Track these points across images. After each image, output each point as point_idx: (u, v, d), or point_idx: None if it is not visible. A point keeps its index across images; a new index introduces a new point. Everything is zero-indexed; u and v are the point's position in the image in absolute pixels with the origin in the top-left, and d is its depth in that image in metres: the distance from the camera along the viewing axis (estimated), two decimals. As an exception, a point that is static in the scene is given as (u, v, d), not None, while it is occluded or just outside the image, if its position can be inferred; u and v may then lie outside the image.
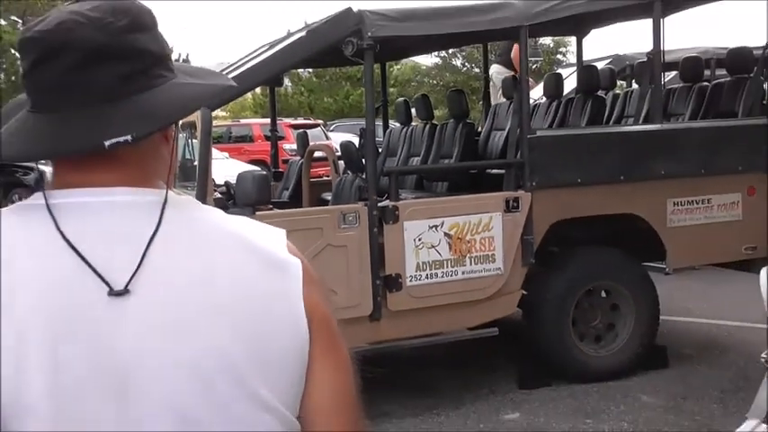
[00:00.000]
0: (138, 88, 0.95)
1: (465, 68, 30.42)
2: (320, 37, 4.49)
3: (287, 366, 0.98)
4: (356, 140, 6.01)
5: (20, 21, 27.19)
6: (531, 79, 8.81)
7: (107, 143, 0.91)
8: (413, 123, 6.79)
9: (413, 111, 6.85)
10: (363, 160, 4.76)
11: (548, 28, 5.77)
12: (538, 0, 4.88)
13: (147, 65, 0.97)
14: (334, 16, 4.57)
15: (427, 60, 30.73)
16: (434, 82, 30.75)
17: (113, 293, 0.91)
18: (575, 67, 8.08)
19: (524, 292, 4.90)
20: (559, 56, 28.29)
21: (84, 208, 0.95)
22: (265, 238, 1.04)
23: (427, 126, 6.32)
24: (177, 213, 0.98)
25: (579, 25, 6.49)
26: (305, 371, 0.99)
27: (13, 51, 26.95)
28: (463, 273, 4.62)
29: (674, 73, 7.32)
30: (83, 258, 0.92)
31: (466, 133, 5.79)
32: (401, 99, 7.43)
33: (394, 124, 7.30)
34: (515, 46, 8.80)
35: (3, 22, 27.04)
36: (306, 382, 1.00)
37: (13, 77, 27.20)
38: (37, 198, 0.97)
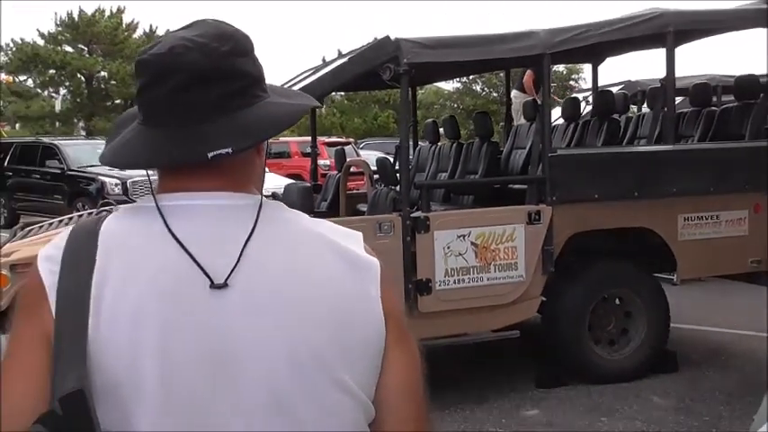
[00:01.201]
0: (237, 106, 0.99)
1: (484, 93, 30.37)
2: (361, 62, 4.49)
3: (366, 356, 1.00)
4: (385, 157, 6.00)
5: (85, 48, 27.69)
6: (555, 97, 8.75)
7: (210, 155, 0.95)
8: (440, 142, 6.80)
9: (440, 130, 6.85)
10: (398, 175, 4.75)
11: (567, 56, 5.73)
12: (559, 29, 4.86)
13: (246, 85, 1.00)
14: (374, 44, 4.59)
15: (448, 86, 30.75)
16: (455, 105, 30.74)
17: (214, 286, 0.93)
18: (587, 92, 8.02)
19: (543, 299, 4.86)
20: (572, 82, 28.15)
21: (190, 210, 0.99)
22: (346, 239, 1.06)
23: (454, 144, 6.31)
24: (270, 216, 1.01)
25: (596, 53, 6.44)
26: (380, 360, 1.01)
27: (79, 76, 27.47)
28: (488, 279, 4.59)
29: (681, 98, 7.23)
30: (189, 254, 0.94)
31: (491, 151, 5.77)
32: (430, 120, 7.43)
33: (422, 143, 7.29)
34: (527, 72, 8.78)
35: (70, 50, 27.55)
36: (380, 370, 1.01)
37: (78, 99, 27.71)
38: (146, 201, 1.01)
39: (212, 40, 0.98)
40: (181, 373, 0.92)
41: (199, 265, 0.94)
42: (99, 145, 16.28)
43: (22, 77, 28.22)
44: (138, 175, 14.10)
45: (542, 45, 4.74)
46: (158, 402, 0.92)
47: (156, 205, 0.98)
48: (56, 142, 15.12)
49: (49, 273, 0.95)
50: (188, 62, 0.95)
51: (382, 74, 4.39)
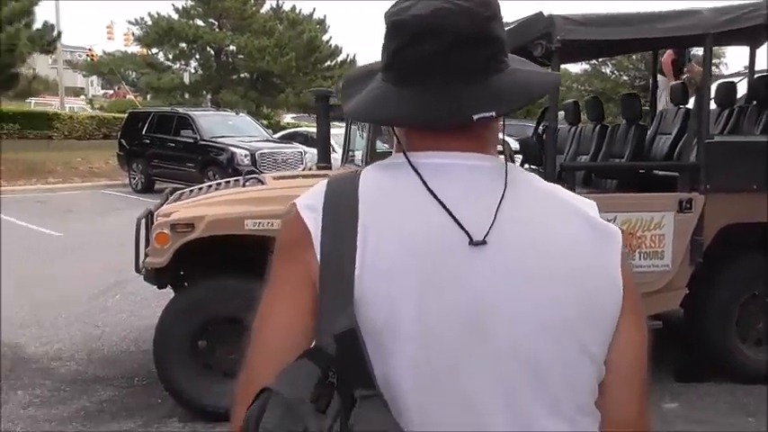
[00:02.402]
0: (492, 71, 1.00)
1: (614, 76, 29.26)
2: (512, 39, 4.48)
3: (605, 322, 1.01)
4: (530, 137, 5.97)
5: (215, 22, 28.87)
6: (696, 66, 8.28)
7: (475, 117, 0.97)
8: (580, 124, 6.68)
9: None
10: (542, 156, 4.73)
11: (726, 37, 5.46)
12: (723, 8, 4.66)
13: (498, 51, 1.01)
14: (526, 20, 4.55)
15: (575, 68, 29.80)
16: (582, 88, 29.78)
17: (474, 243, 0.96)
18: (741, 76, 7.59)
19: (687, 291, 4.72)
20: (713, 67, 26.55)
21: (443, 168, 1.02)
22: (585, 205, 1.06)
23: (597, 127, 6.18)
24: (516, 177, 1.03)
25: (756, 36, 6.10)
26: (615, 327, 1.02)
27: (209, 49, 28.72)
28: (632, 267, 4.49)
29: None
30: (447, 210, 0.97)
31: (638, 135, 5.61)
32: (571, 101, 7.29)
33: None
34: (667, 53, 8.41)
35: (202, 24, 28.80)
36: (612, 336, 1.02)
37: (206, 72, 28.97)
38: (396, 158, 1.05)
39: (476, 5, 0.99)
40: (436, 329, 0.95)
41: (458, 221, 0.96)
42: (229, 117, 17.07)
43: (154, 50, 29.80)
44: (265, 147, 14.70)
45: (706, 24, 4.55)
46: (413, 355, 0.95)
47: (410, 163, 1.01)
48: (190, 113, 15.96)
49: (312, 220, 1.00)
50: (453, 25, 0.97)
51: (533, 50, 4.36)
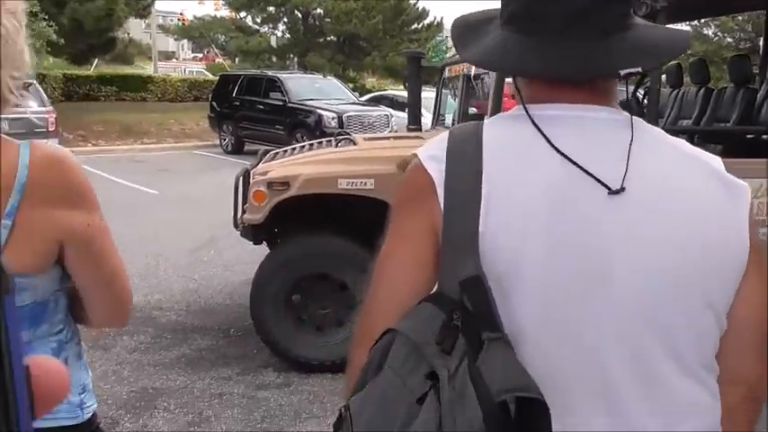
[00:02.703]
0: (624, 27, 1.00)
1: (716, 38, 27.81)
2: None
3: (730, 278, 1.00)
4: (630, 99, 5.76)
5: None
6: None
7: (622, 72, 0.98)
8: (682, 87, 6.41)
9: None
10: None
11: None
12: None
13: (629, 7, 1.02)
14: (631, -24, 4.39)
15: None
16: (682, 51, 28.40)
17: (612, 192, 0.96)
18: None
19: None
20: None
21: (569, 120, 1.02)
22: (712, 159, 1.05)
23: (702, 89, 5.93)
24: (642, 130, 1.02)
25: None
26: (738, 284, 1.01)
27: (296, 13, 28.95)
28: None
29: None
30: (574, 163, 0.97)
31: (747, 98, 5.35)
32: (674, 63, 7.01)
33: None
34: None
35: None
36: (736, 294, 1.01)
37: (293, 35, 29.26)
38: (519, 110, 1.05)
39: None
40: (561, 279, 0.96)
41: (587, 172, 0.97)
42: (317, 80, 17.26)
43: (242, 14, 30.31)
44: (352, 110, 14.81)
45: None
46: (536, 304, 0.97)
47: (529, 115, 1.02)
48: (279, 75, 16.23)
49: (436, 170, 1.02)
50: None
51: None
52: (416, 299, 1.00)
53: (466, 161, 1.01)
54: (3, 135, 1.19)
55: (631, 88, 5.78)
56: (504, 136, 1.05)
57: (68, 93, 22.43)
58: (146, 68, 32.47)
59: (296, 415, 3.86)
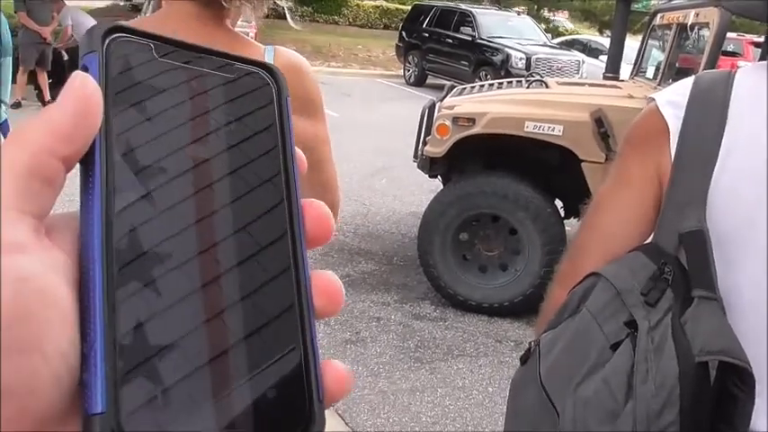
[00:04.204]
0: None
1: None
2: None
3: None
4: None
5: None
6: None
7: None
8: None
9: None
10: None
11: None
12: None
13: None
14: None
15: None
16: None
17: None
18: None
19: None
20: None
21: None
22: None
23: None
24: None
25: None
26: None
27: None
28: None
29: None
30: None
31: None
32: None
33: None
34: None
35: None
36: None
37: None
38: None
39: None
40: None
41: None
42: (511, 17, 16.80)
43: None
44: (542, 52, 14.31)
45: None
46: (761, 272, 0.91)
47: None
48: (472, 9, 15.95)
49: (673, 117, 0.99)
50: None
51: None
52: (628, 247, 0.98)
53: (709, 110, 0.96)
54: (248, 39, 1.27)
55: None
56: (758, 87, 0.97)
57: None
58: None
59: (448, 350, 3.92)
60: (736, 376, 0.84)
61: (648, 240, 1.00)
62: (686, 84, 1.02)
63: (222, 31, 1.23)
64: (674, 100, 1.01)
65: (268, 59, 1.25)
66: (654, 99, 1.03)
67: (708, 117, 0.96)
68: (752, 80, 0.98)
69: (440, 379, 3.61)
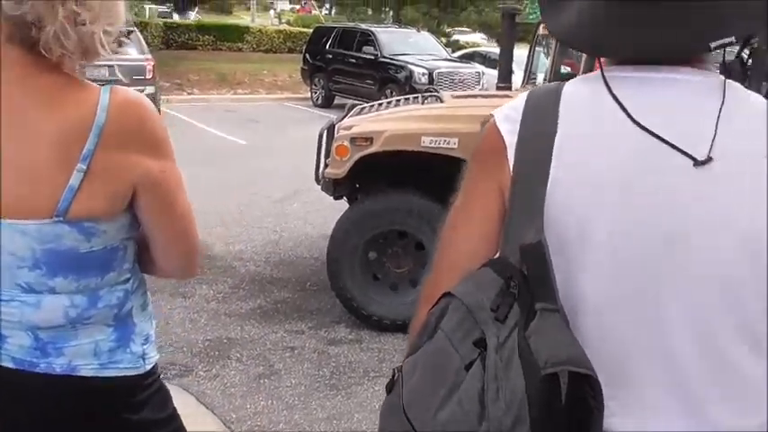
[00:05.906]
0: None
1: None
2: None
3: None
4: None
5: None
6: None
7: (713, 45, 0.91)
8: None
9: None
10: (747, 81, 4.25)
11: None
12: None
13: None
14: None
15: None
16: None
17: (698, 163, 0.91)
18: None
19: None
20: None
21: (651, 82, 0.97)
22: None
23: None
24: (734, 95, 0.96)
25: None
26: None
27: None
28: None
29: None
30: (653, 134, 0.93)
31: None
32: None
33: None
34: None
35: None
36: None
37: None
38: (614, 71, 1.00)
39: None
40: (634, 245, 0.93)
41: (670, 144, 0.92)
42: (410, 34, 17.06)
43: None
44: (443, 66, 14.58)
45: None
46: (604, 272, 0.94)
47: (605, 80, 0.97)
48: (372, 29, 16.11)
49: (509, 133, 1.00)
50: None
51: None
52: (481, 260, 0.99)
53: (541, 122, 0.99)
54: (85, 80, 1.22)
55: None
56: (584, 97, 1.00)
57: (167, 41, 23.10)
58: (244, 18, 32.98)
59: (365, 373, 3.87)
60: (588, 385, 0.85)
61: (498, 254, 1.00)
62: (522, 98, 1.03)
63: (52, 76, 1.19)
64: (509, 114, 1.02)
65: (103, 99, 1.20)
66: (493, 115, 1.04)
67: (540, 129, 0.98)
68: (577, 91, 1.00)
69: (356, 403, 3.56)
